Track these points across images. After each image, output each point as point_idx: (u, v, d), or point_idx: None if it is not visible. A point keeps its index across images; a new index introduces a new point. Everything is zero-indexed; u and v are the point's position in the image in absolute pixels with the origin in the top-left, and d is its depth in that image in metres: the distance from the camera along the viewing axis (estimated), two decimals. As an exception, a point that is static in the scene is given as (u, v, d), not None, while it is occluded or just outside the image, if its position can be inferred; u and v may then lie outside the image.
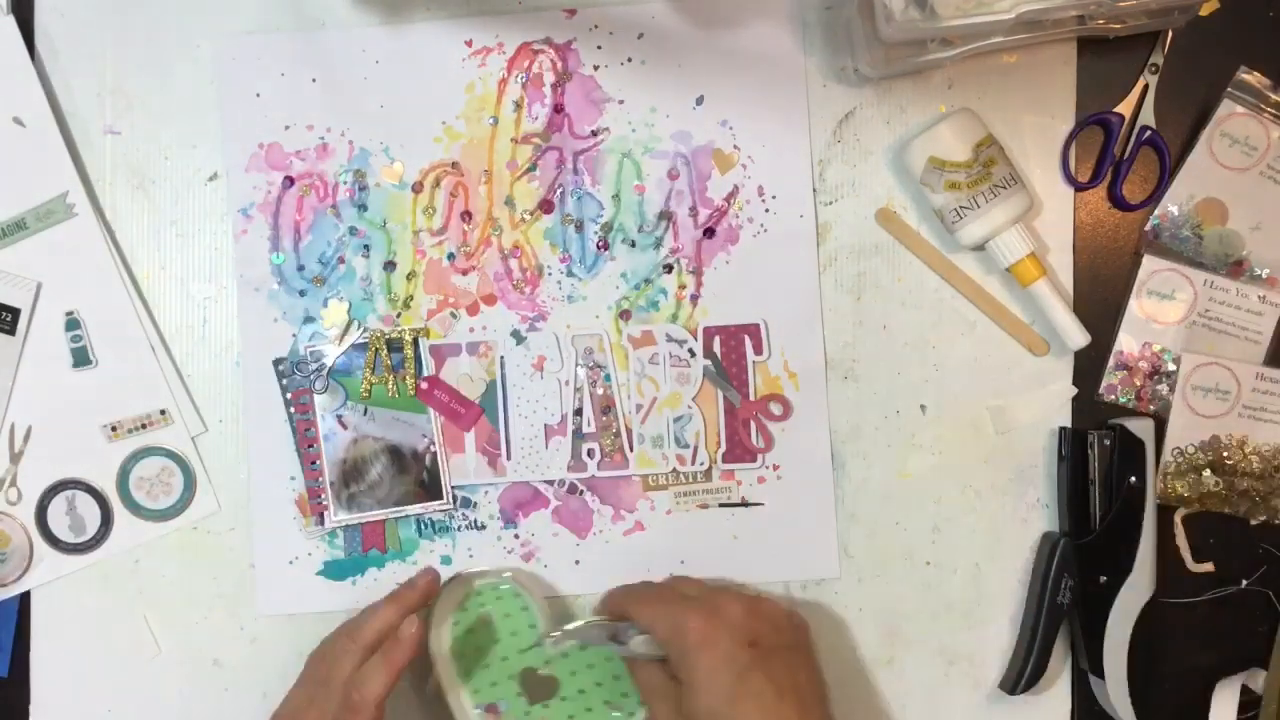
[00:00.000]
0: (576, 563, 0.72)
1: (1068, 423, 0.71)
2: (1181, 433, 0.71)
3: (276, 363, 0.72)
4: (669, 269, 0.72)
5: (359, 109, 0.72)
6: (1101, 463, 0.69)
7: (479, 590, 0.70)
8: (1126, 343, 0.71)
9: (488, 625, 0.70)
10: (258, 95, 0.72)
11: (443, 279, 0.72)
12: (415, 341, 0.72)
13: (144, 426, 0.72)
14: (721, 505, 0.71)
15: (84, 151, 0.72)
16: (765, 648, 0.59)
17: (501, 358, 0.72)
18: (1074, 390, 0.71)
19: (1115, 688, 0.68)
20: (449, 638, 0.69)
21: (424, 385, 0.71)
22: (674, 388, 0.72)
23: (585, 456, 0.71)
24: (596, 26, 0.72)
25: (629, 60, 0.72)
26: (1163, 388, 0.71)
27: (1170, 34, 0.71)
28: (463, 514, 0.72)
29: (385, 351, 0.72)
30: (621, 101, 0.72)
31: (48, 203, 0.71)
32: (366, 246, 0.72)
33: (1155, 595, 0.69)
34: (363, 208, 0.72)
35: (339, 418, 0.72)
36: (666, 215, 0.72)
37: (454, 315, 0.72)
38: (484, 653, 0.70)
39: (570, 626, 0.66)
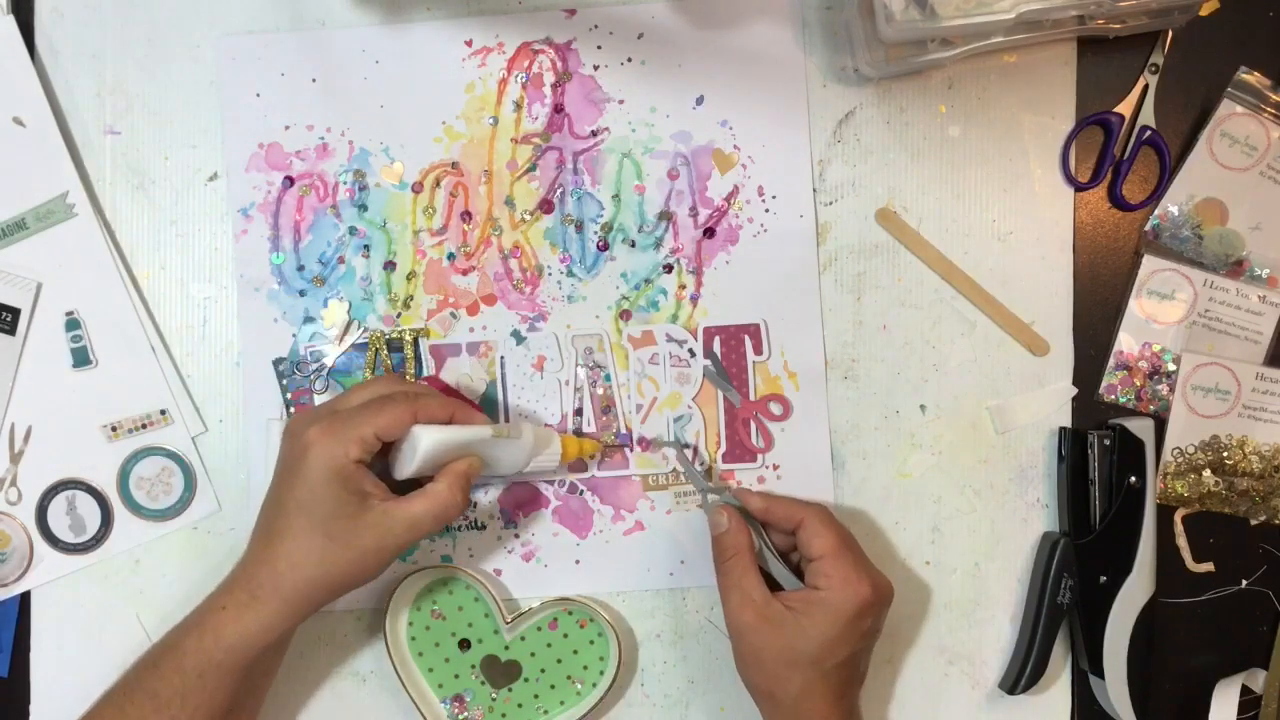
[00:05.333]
0: (577, 563, 0.72)
1: (1068, 423, 0.71)
2: (1181, 433, 0.71)
3: (276, 363, 0.72)
4: (669, 269, 0.72)
5: (359, 109, 0.72)
6: (1101, 463, 0.69)
7: (430, 586, 0.71)
8: (1126, 343, 0.71)
9: (444, 620, 0.71)
10: (258, 95, 0.72)
11: (443, 279, 0.72)
12: (415, 341, 0.72)
13: (144, 426, 0.72)
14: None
15: (84, 151, 0.72)
16: (876, 636, 0.65)
17: (501, 358, 0.72)
18: (1074, 390, 0.72)
19: (1115, 688, 0.68)
20: (407, 637, 0.70)
21: (423, 383, 0.71)
22: (674, 388, 0.72)
23: (585, 456, 0.71)
24: (596, 26, 0.72)
25: (629, 60, 0.72)
26: (1163, 388, 0.71)
27: (1170, 34, 0.71)
28: (463, 514, 0.72)
29: (385, 351, 0.72)
30: (621, 101, 0.72)
31: (48, 203, 0.71)
32: (366, 246, 0.72)
33: (1155, 595, 0.69)
34: (363, 208, 0.72)
35: (339, 418, 0.71)
36: (666, 215, 0.72)
37: (454, 315, 0.72)
38: (444, 647, 0.70)
39: (678, 454, 0.70)
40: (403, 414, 0.61)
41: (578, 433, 0.71)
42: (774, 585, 0.65)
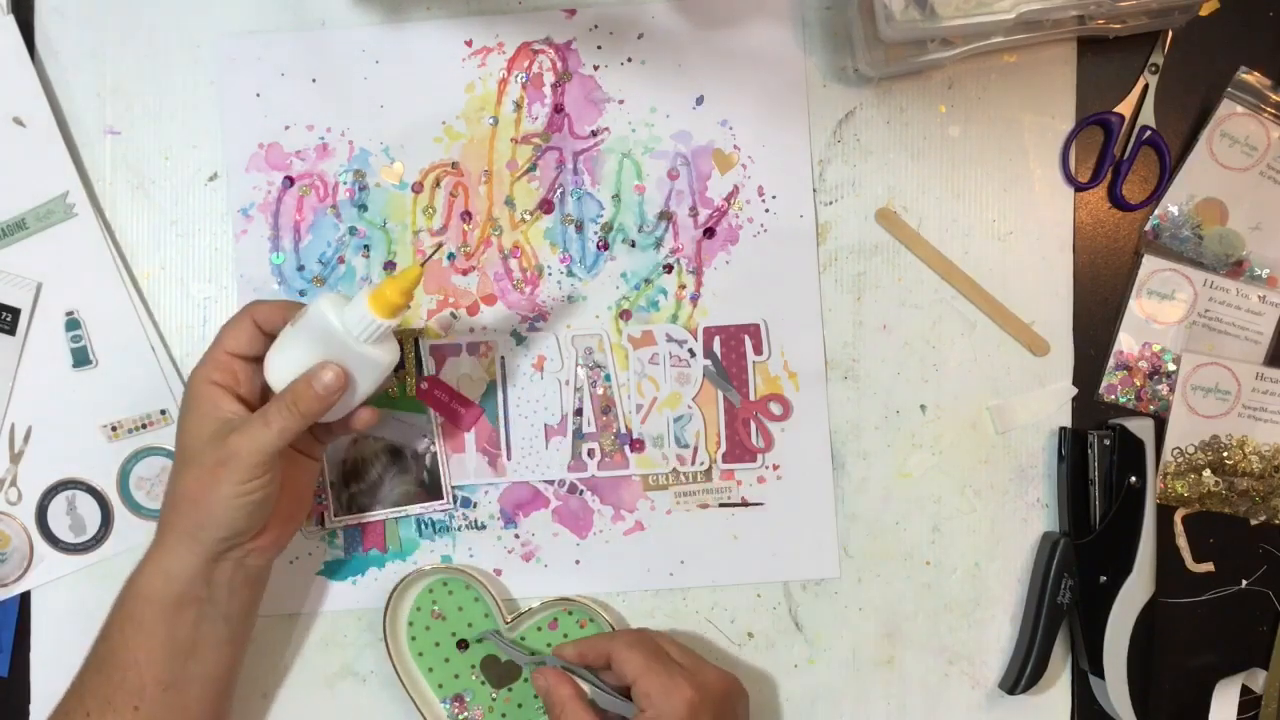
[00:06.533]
0: (576, 563, 0.72)
1: (1068, 423, 0.71)
2: (1181, 433, 0.71)
3: (276, 363, 0.72)
4: (669, 269, 0.72)
5: (359, 109, 0.72)
6: (1101, 463, 0.69)
7: (430, 587, 0.71)
8: (1126, 343, 0.71)
9: (444, 620, 0.71)
10: (258, 95, 0.72)
11: (443, 279, 0.72)
12: (415, 341, 0.72)
13: (144, 426, 0.72)
14: (721, 505, 0.71)
15: (84, 151, 0.72)
16: None
17: (501, 358, 0.72)
18: (1074, 390, 0.72)
19: (1115, 688, 0.68)
20: (407, 637, 0.70)
21: (424, 385, 0.71)
22: (674, 388, 0.72)
23: (585, 456, 0.71)
24: (596, 26, 0.72)
25: (629, 60, 0.72)
26: (1163, 388, 0.71)
27: (1170, 34, 0.71)
28: (463, 514, 0.72)
29: (385, 351, 0.72)
30: (621, 101, 0.72)
31: (48, 203, 0.71)
32: (366, 246, 0.72)
33: (1155, 595, 0.69)
34: (363, 208, 0.72)
35: (339, 418, 0.71)
36: (666, 215, 0.72)
37: (454, 315, 0.72)
38: (443, 646, 0.70)
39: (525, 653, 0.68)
40: (243, 324, 0.61)
41: (577, 433, 0.71)
42: None
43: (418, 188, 0.72)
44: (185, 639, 0.62)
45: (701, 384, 0.72)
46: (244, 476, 0.58)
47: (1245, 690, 0.70)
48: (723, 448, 0.71)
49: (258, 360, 0.62)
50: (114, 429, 0.71)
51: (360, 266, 0.72)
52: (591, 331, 0.72)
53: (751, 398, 0.71)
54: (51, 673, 0.71)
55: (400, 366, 0.72)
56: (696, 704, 0.60)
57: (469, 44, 0.72)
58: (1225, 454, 0.71)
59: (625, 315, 0.72)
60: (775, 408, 0.71)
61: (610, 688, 0.64)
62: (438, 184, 0.72)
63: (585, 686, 0.64)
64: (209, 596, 0.62)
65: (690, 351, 0.72)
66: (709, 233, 0.72)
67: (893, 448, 0.72)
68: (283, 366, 0.60)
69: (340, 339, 0.59)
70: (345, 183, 0.72)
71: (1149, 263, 0.71)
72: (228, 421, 0.60)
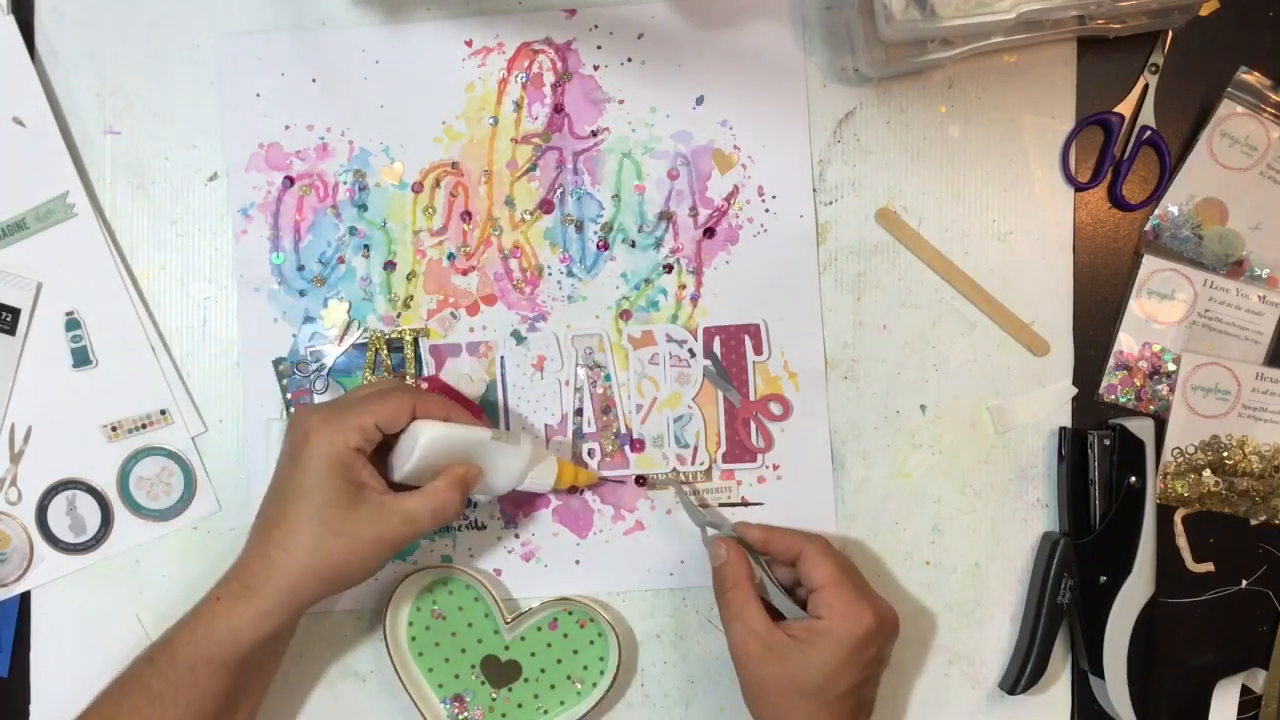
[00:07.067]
0: (576, 563, 0.72)
1: (1068, 423, 0.71)
2: (1181, 433, 0.71)
3: (276, 363, 0.72)
4: (669, 269, 0.72)
5: (359, 109, 0.72)
6: (1101, 463, 0.69)
7: (430, 587, 0.71)
8: (1126, 343, 0.71)
9: (444, 620, 0.71)
10: (258, 95, 0.72)
11: (443, 279, 0.72)
12: (415, 341, 0.72)
13: (144, 426, 0.72)
14: (721, 505, 0.71)
15: (84, 151, 0.72)
16: (882, 666, 0.65)
17: (501, 358, 0.72)
18: (1074, 390, 0.72)
19: (1115, 688, 0.68)
20: (407, 637, 0.70)
21: (424, 385, 0.71)
22: (674, 388, 0.72)
23: (585, 456, 0.71)
24: (596, 26, 0.72)
25: (629, 60, 0.72)
26: (1163, 388, 0.71)
27: (1170, 34, 0.71)
28: (463, 514, 0.72)
29: (385, 351, 0.72)
30: (621, 101, 0.72)
31: (48, 203, 0.71)
32: (366, 246, 0.72)
33: (1155, 595, 0.69)
34: (363, 208, 0.72)
35: (339, 418, 0.71)
36: (666, 215, 0.72)
37: (454, 315, 0.72)
38: (444, 647, 0.71)
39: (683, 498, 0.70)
40: (403, 403, 0.62)
41: (577, 432, 0.71)
42: (778, 616, 0.64)
43: (418, 188, 0.72)
44: (258, 667, 0.64)
45: (701, 384, 0.72)
46: (394, 553, 0.62)
47: (1245, 690, 0.70)
48: (723, 448, 0.71)
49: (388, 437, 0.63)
50: (114, 429, 0.71)
51: (360, 266, 0.72)
52: (591, 331, 0.72)
53: (751, 398, 0.71)
54: (51, 673, 0.71)
55: (400, 366, 0.72)
56: (874, 632, 0.62)
57: (469, 44, 0.72)
58: (1225, 454, 0.71)
59: (625, 315, 0.72)
60: (775, 408, 0.71)
61: (777, 582, 0.65)
62: (438, 184, 0.72)
63: (757, 571, 0.65)
64: (288, 633, 0.65)
65: (690, 351, 0.72)
66: (709, 233, 0.72)
67: (893, 448, 0.72)
68: (433, 467, 0.63)
69: (515, 481, 0.66)
70: (345, 183, 0.72)
71: (1149, 263, 0.71)
72: (362, 490, 0.61)
